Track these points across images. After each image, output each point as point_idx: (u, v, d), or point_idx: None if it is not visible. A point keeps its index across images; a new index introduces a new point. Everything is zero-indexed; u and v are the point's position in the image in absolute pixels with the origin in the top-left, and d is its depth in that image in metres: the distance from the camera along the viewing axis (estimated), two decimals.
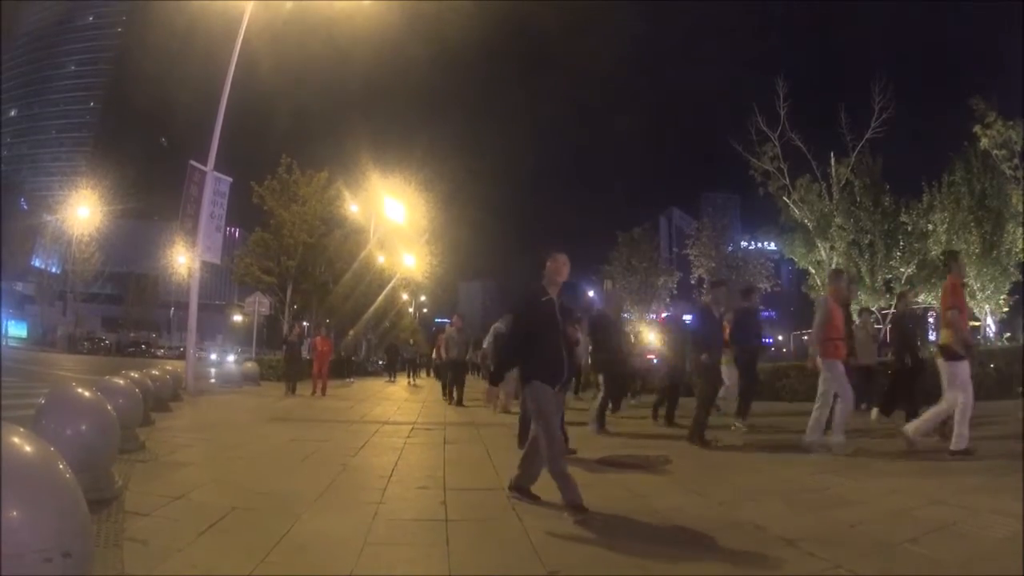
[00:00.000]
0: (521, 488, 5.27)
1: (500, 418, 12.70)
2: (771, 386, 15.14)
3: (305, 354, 20.41)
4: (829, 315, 7.87)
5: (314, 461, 7.22)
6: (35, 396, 5.28)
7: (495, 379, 5.54)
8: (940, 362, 7.31)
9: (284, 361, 19.93)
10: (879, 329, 21.07)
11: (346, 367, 24.53)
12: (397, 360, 34.86)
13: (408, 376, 29.20)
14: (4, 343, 50.98)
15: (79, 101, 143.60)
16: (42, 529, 2.03)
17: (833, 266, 31.68)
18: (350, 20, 21.12)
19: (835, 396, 7.65)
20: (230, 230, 38.67)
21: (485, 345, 14.74)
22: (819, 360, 7.85)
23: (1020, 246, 27.65)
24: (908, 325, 10.41)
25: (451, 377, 16.57)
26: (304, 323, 31.85)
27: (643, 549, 4.10)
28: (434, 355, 31.10)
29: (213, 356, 48.79)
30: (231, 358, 39.07)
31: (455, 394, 15.93)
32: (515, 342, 5.22)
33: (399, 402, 16.91)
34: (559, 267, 5.24)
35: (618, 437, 9.31)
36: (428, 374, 33.98)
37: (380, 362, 36.41)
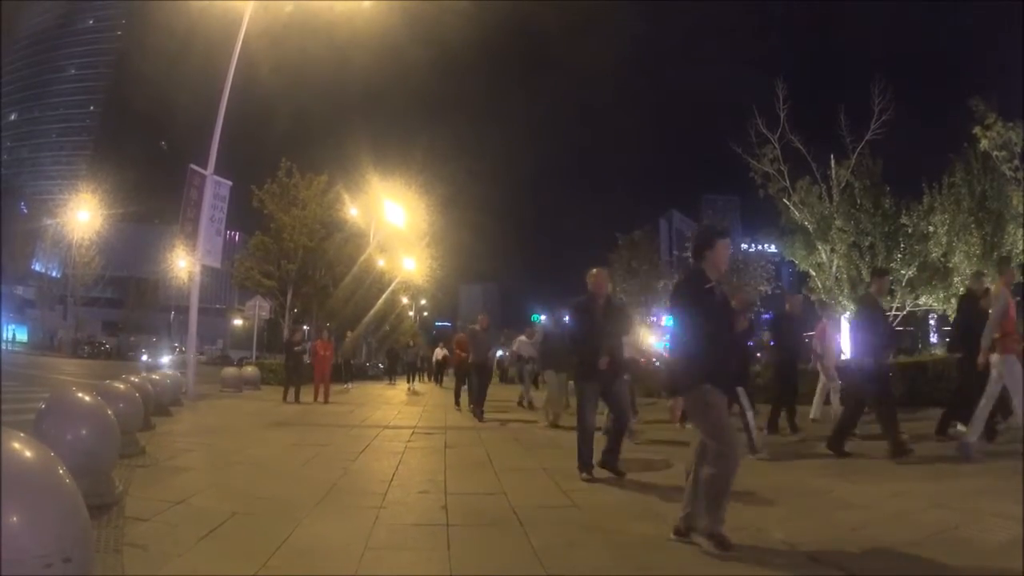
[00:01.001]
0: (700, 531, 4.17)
1: (500, 420, 12.70)
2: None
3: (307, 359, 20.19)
4: (1007, 307, 7.25)
5: (314, 466, 7.21)
6: (35, 401, 5.28)
7: (682, 388, 4.32)
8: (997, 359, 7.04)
9: (285, 366, 18.75)
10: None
11: (345, 371, 24.18)
12: (397, 364, 34.84)
13: (408, 381, 27.95)
14: (4, 347, 50.92)
15: (79, 105, 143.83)
16: (42, 534, 2.03)
17: (834, 269, 31.70)
18: (349, 23, 21.13)
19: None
20: (230, 234, 38.68)
21: (515, 347, 15.16)
22: (993, 356, 7.13)
23: (1021, 248, 27.61)
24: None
25: (475, 383, 14.42)
26: (304, 327, 31.74)
27: (647, 551, 4.10)
28: (436, 356, 30.39)
29: (145, 358, 48.40)
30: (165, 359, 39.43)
31: (471, 403, 14.14)
32: (688, 340, 4.33)
33: (399, 406, 16.90)
34: (723, 253, 4.50)
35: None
36: (429, 378, 33.31)
37: (380, 365, 36.36)
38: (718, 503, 4.03)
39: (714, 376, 4.20)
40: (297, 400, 16.08)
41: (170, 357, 41.18)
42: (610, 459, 6.66)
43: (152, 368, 25.27)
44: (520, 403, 16.59)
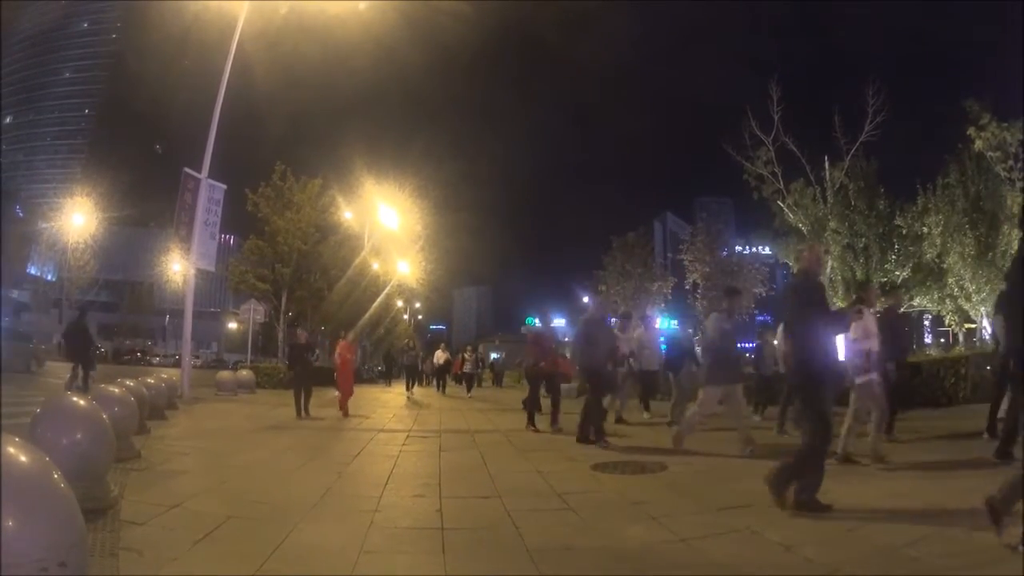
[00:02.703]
0: (809, 504, 4.74)
1: (495, 424, 12.67)
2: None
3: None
4: None
5: (310, 469, 7.21)
6: (31, 405, 5.27)
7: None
8: None
9: (290, 372, 15.74)
10: None
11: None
12: (394, 367, 34.69)
13: (407, 386, 25.05)
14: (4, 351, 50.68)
15: (75, 108, 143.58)
16: (38, 539, 2.04)
17: (828, 271, 31.74)
18: (344, 26, 21.11)
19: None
20: (225, 237, 38.66)
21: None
22: None
23: (1015, 248, 27.70)
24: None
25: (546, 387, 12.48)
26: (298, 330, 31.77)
27: (640, 552, 4.11)
28: (437, 360, 27.87)
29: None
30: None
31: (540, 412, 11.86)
32: (812, 339, 4.81)
33: (395, 409, 16.88)
34: (819, 257, 5.14)
35: (616, 447, 9.26)
36: (427, 383, 31.33)
37: (379, 368, 36.26)
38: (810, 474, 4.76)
39: (829, 377, 4.85)
40: (307, 413, 13.41)
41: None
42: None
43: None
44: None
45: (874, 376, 7.17)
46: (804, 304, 5.06)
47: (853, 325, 6.61)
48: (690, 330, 11.28)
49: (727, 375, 8.22)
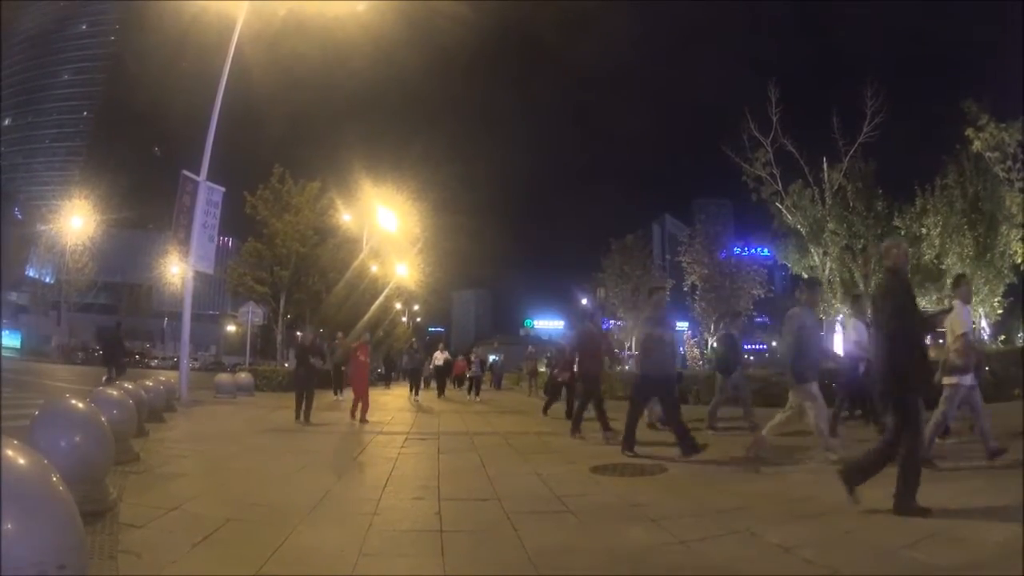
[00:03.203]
0: (910, 507, 4.70)
1: (493, 426, 12.68)
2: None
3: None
4: None
5: (309, 472, 7.21)
6: (29, 407, 5.27)
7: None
8: None
9: (295, 376, 14.04)
10: None
11: (336, 379, 22.45)
12: (394, 370, 34.57)
13: (412, 390, 22.49)
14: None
15: (73, 110, 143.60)
16: (37, 542, 2.04)
17: (827, 272, 31.78)
18: (342, 27, 21.10)
19: None
20: (223, 240, 38.64)
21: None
22: None
23: (1014, 248, 27.75)
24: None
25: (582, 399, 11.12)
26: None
27: (639, 554, 4.11)
28: (436, 361, 25.94)
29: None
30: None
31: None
32: (909, 342, 4.84)
33: (393, 412, 16.86)
34: (906, 253, 5.10)
35: (613, 445, 9.24)
36: (427, 385, 28.96)
37: (379, 370, 36.13)
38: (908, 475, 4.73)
39: (921, 380, 4.94)
40: (307, 419, 12.55)
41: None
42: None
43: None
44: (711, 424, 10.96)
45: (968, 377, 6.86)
46: (899, 306, 4.96)
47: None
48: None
49: (815, 371, 7.71)
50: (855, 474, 5.01)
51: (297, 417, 12.57)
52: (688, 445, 7.90)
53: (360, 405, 13.13)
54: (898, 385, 4.80)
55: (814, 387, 7.48)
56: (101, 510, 4.54)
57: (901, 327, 4.89)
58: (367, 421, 12.91)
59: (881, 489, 4.82)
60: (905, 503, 4.69)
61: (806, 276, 33.03)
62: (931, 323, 5.56)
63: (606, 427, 10.06)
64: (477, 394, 23.53)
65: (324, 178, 35.78)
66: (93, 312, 75.21)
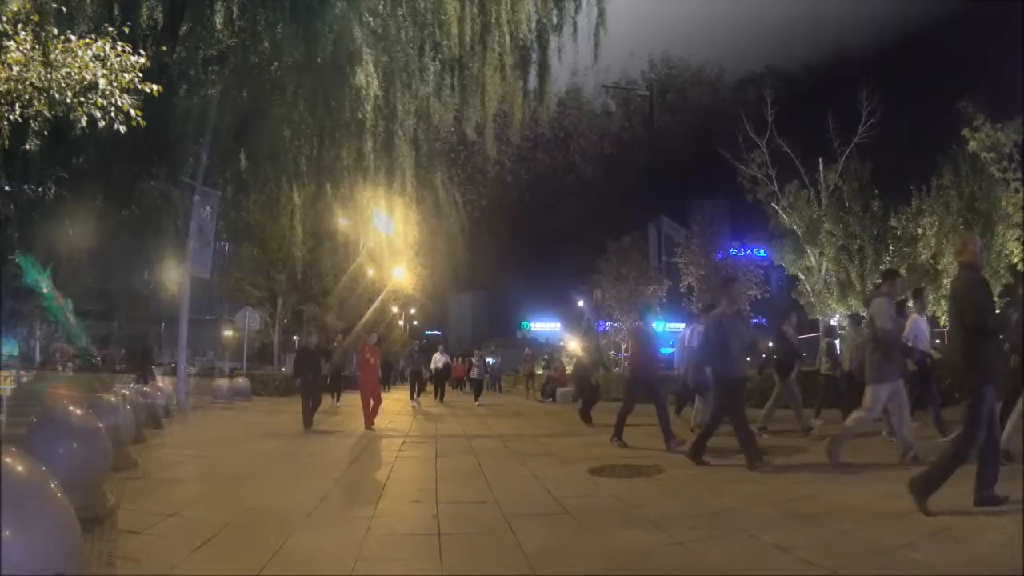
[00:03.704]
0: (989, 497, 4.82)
1: (491, 429, 12.65)
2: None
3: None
4: None
5: (306, 476, 7.21)
6: (27, 414, 5.27)
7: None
8: None
9: (301, 382, 13.08)
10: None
11: (333, 384, 21.73)
12: (391, 374, 34.43)
13: (413, 394, 21.67)
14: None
15: None
16: (35, 548, 2.04)
17: (823, 273, 31.82)
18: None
19: None
20: (219, 245, 38.52)
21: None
22: None
23: (1010, 249, 27.74)
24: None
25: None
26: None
27: (637, 556, 4.12)
28: (436, 364, 24.99)
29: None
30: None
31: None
32: (988, 340, 4.94)
33: (390, 415, 16.84)
34: (981, 248, 5.15)
35: (609, 447, 9.24)
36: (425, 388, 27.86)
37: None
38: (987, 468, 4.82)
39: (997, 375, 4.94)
40: (309, 425, 11.98)
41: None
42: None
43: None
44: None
45: None
46: (979, 303, 4.97)
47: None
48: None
49: (896, 370, 7.13)
50: (929, 483, 4.88)
51: (306, 426, 11.92)
52: (754, 453, 7.13)
53: (371, 408, 12.79)
54: (980, 377, 4.84)
55: (888, 389, 6.99)
56: (99, 516, 4.54)
57: (983, 320, 4.95)
58: (373, 426, 12.55)
59: (884, 486, 4.82)
60: (988, 495, 4.76)
61: (802, 276, 33.12)
62: (1008, 323, 5.63)
63: (669, 436, 8.85)
64: (477, 397, 22.82)
65: (322, 181, 35.66)
66: (90, 318, 75.01)
